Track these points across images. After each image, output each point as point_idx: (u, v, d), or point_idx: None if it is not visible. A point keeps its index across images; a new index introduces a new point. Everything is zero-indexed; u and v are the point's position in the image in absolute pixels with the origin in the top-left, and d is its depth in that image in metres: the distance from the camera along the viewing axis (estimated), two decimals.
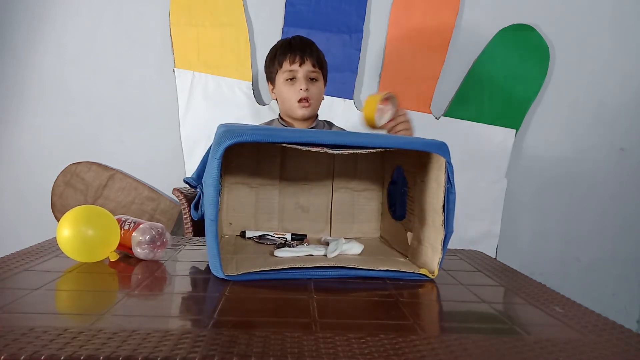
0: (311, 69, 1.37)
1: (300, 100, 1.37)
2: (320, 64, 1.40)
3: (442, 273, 0.84)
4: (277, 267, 0.75)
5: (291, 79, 1.37)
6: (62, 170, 1.75)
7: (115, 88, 1.86)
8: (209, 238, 0.72)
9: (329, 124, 1.54)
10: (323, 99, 1.48)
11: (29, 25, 1.83)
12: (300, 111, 1.38)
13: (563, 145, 1.97)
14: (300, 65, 1.36)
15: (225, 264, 0.76)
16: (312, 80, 1.38)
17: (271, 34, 1.85)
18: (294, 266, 0.76)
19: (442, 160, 0.76)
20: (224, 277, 0.72)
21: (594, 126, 1.96)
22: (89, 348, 0.46)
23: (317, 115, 1.49)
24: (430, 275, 0.78)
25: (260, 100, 1.86)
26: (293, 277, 0.75)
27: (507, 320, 0.62)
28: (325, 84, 1.46)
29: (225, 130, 0.71)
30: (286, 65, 1.37)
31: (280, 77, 1.39)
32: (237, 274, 0.73)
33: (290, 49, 1.38)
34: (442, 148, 0.75)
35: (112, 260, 0.80)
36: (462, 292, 0.74)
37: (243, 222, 1.02)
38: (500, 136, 1.90)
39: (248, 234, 0.99)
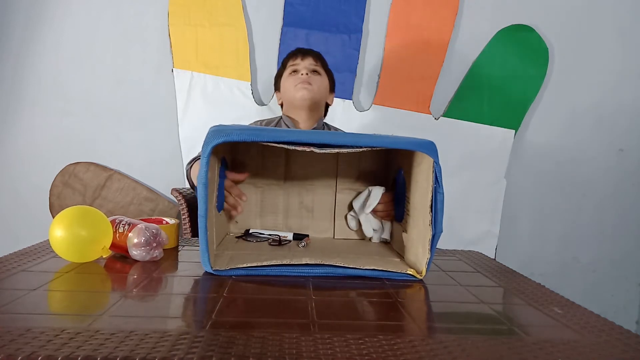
0: (312, 62, 1.42)
1: (299, 83, 1.37)
2: (322, 62, 1.46)
3: (441, 274, 0.84)
4: (262, 264, 0.76)
5: (294, 71, 1.42)
6: (60, 171, 1.75)
7: (113, 88, 1.86)
8: (200, 234, 0.73)
9: (331, 128, 1.52)
10: (331, 104, 1.51)
11: (27, 26, 1.82)
12: (300, 92, 1.35)
13: (562, 146, 1.97)
14: (302, 59, 1.42)
15: (219, 260, 0.78)
16: (314, 72, 1.41)
17: (270, 34, 1.85)
18: (279, 263, 0.77)
19: (432, 159, 0.75)
20: (211, 271, 0.75)
21: (592, 127, 1.97)
22: (86, 349, 0.46)
23: (323, 122, 1.49)
24: (417, 276, 0.77)
25: (258, 101, 1.86)
26: (279, 274, 0.76)
27: (506, 321, 0.62)
28: (330, 88, 1.48)
29: (214, 130, 0.73)
30: (289, 63, 1.44)
31: (285, 74, 1.45)
32: (226, 269, 0.75)
33: (294, 51, 1.47)
34: (429, 147, 0.74)
35: (104, 256, 0.80)
36: (461, 293, 0.74)
37: (249, 221, 1.04)
38: (500, 137, 1.90)
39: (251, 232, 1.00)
